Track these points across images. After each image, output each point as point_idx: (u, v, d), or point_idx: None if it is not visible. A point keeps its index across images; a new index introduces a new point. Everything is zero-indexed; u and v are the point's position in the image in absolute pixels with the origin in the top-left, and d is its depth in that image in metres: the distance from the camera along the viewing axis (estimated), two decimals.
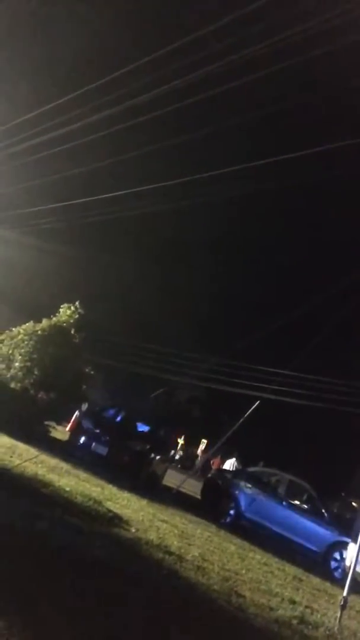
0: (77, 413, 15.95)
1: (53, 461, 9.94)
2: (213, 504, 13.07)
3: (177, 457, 27.55)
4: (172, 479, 15.75)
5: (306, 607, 6.78)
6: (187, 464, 26.91)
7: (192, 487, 15.62)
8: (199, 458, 28.51)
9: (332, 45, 8.42)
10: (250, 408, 15.08)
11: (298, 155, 10.12)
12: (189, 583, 5.62)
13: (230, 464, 18.48)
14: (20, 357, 14.32)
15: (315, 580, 9.58)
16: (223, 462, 20.44)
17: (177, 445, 29.99)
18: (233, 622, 5.03)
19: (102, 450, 13.08)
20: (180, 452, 29.00)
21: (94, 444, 13.26)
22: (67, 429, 15.30)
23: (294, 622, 5.76)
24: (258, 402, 15.34)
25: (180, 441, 30.09)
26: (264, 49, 8.76)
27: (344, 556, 10.92)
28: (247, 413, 14.92)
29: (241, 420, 14.93)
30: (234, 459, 18.97)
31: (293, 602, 6.74)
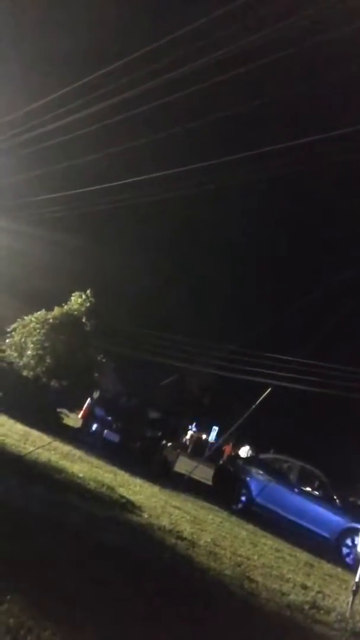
0: (89, 400, 16.05)
1: (66, 448, 10.02)
2: (225, 490, 13.14)
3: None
4: (183, 465, 15.84)
5: (318, 592, 6.82)
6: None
7: (204, 474, 15.70)
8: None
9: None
10: (261, 396, 15.06)
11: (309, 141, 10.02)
12: (201, 568, 5.67)
13: (244, 452, 18.56)
14: (32, 345, 14.42)
15: (327, 566, 9.61)
16: (234, 449, 20.51)
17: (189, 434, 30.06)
18: (245, 607, 5.07)
19: (114, 437, 13.17)
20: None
21: (106, 431, 13.35)
22: (80, 416, 15.40)
23: (306, 607, 5.79)
24: (269, 389, 15.31)
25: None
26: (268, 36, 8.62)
27: (356, 542, 10.93)
28: (259, 401, 14.91)
29: (252, 407, 14.93)
30: (247, 447, 19.04)
31: (305, 587, 6.78)
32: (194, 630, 3.88)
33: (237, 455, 18.54)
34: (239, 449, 20.55)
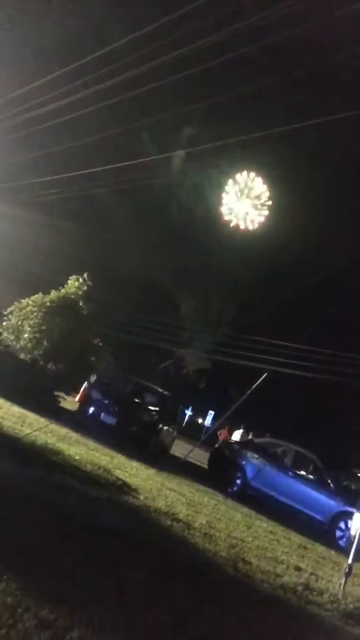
0: (85, 384, 16.08)
1: (63, 430, 10.07)
2: (220, 473, 13.26)
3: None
4: (179, 448, 15.95)
5: (311, 574, 6.91)
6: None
7: (200, 457, 15.81)
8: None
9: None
10: (257, 380, 15.14)
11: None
12: (196, 549, 5.73)
13: (238, 435, 18.65)
14: (29, 328, 14.41)
15: (320, 549, 9.74)
16: (230, 433, 20.60)
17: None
18: (239, 588, 5.14)
19: (111, 420, 13.21)
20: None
21: (102, 414, 13.39)
22: (77, 399, 15.44)
23: (299, 588, 5.87)
24: (265, 374, 15.39)
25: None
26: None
27: (349, 526, 11.07)
28: (255, 385, 14.99)
29: (248, 392, 15.01)
30: (241, 430, 19.13)
31: (298, 569, 6.87)
32: (190, 610, 3.93)
33: (230, 439, 18.65)
34: (233, 432, 20.65)
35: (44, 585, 3.27)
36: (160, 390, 16.41)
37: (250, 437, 17.84)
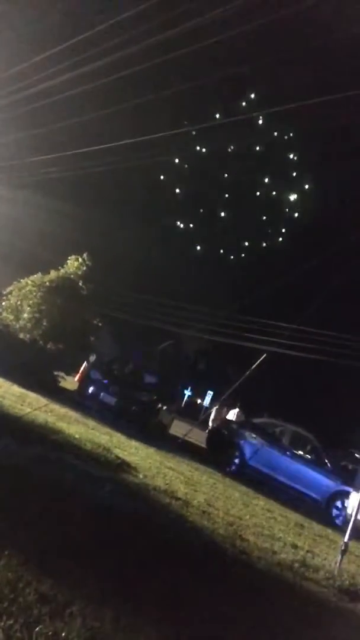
0: (85, 364, 16.14)
1: (62, 410, 10.13)
2: (218, 453, 13.37)
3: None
4: (178, 428, 16.06)
5: (307, 551, 7.02)
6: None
7: (198, 437, 15.93)
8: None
9: None
10: (256, 361, 15.15)
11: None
12: (194, 527, 5.81)
13: (233, 414, 18.75)
14: (29, 308, 14.40)
15: (317, 527, 9.87)
16: (227, 413, 20.70)
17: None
18: (237, 565, 5.22)
19: (110, 400, 13.29)
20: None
21: (102, 393, 13.46)
22: (76, 379, 15.51)
23: (296, 565, 5.96)
24: (264, 355, 15.41)
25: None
26: None
27: (346, 505, 11.19)
28: (254, 366, 15.01)
29: (247, 373, 15.05)
30: (237, 409, 19.21)
31: (295, 546, 6.97)
32: (188, 585, 4.00)
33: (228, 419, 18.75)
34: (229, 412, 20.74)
35: (44, 560, 3.32)
36: (159, 370, 16.49)
37: (236, 414, 17.94)
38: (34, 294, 14.58)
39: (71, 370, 15.31)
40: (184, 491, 7.37)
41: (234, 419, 17.17)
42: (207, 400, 34.83)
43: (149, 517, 5.45)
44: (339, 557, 6.62)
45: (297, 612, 4.59)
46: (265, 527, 7.58)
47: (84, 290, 15.28)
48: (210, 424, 17.55)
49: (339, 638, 4.59)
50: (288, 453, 12.83)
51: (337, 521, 11.49)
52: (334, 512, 11.91)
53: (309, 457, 12.92)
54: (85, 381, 14.46)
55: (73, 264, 15.54)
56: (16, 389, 10.67)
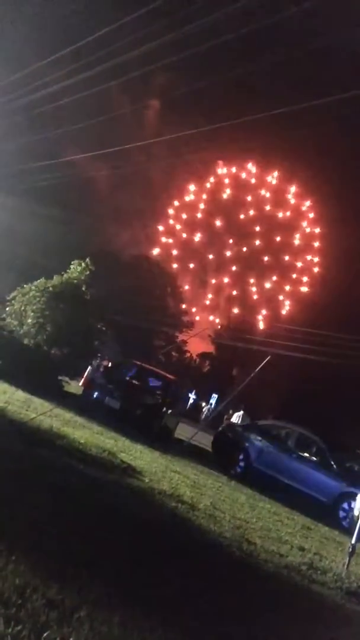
0: (89, 368, 16.14)
1: (67, 415, 10.13)
2: (224, 456, 13.34)
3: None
4: (183, 432, 16.04)
5: (315, 554, 6.99)
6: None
7: (203, 440, 15.91)
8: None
9: None
10: (260, 364, 15.14)
11: None
12: (201, 530, 5.80)
13: (237, 417, 18.72)
14: (32, 313, 14.42)
15: (324, 529, 9.84)
16: (231, 416, 20.69)
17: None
18: (244, 568, 5.21)
19: (115, 404, 13.27)
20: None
21: (107, 398, 13.44)
22: (81, 383, 15.51)
23: (303, 567, 5.94)
24: (269, 357, 15.40)
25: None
26: None
27: (353, 506, 11.15)
28: (258, 369, 15.00)
29: (251, 375, 15.03)
30: (242, 412, 19.18)
31: (302, 549, 6.95)
32: (195, 589, 3.99)
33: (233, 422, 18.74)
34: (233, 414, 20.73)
35: (51, 564, 3.32)
36: (164, 374, 16.47)
37: (240, 416, 17.91)
38: (38, 299, 14.60)
39: (75, 374, 15.32)
40: (190, 495, 7.36)
41: (238, 422, 17.16)
42: (212, 404, 34.75)
43: (155, 521, 5.44)
44: (346, 559, 6.61)
45: (304, 615, 4.58)
46: (272, 529, 7.56)
47: (87, 295, 15.30)
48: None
49: None
50: (294, 455, 12.78)
51: (344, 523, 11.42)
52: (341, 514, 11.84)
53: (315, 459, 12.87)
54: (89, 385, 14.46)
55: (76, 269, 15.56)
56: (21, 394, 10.68)
